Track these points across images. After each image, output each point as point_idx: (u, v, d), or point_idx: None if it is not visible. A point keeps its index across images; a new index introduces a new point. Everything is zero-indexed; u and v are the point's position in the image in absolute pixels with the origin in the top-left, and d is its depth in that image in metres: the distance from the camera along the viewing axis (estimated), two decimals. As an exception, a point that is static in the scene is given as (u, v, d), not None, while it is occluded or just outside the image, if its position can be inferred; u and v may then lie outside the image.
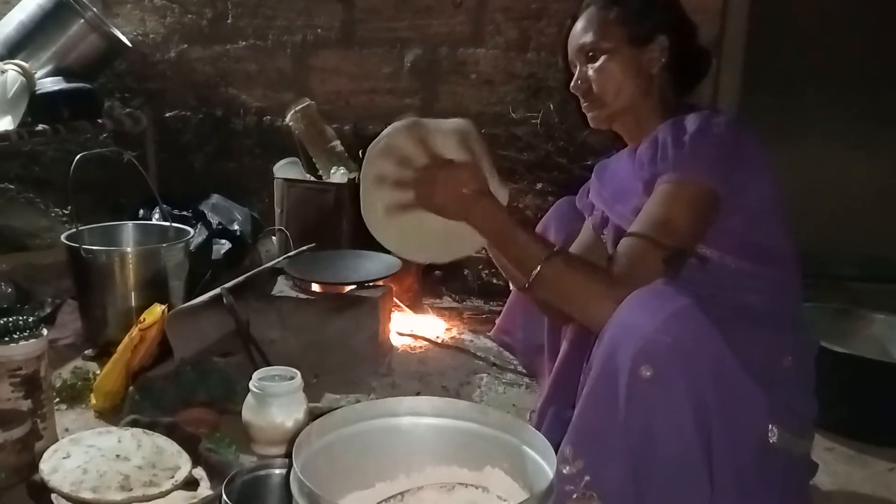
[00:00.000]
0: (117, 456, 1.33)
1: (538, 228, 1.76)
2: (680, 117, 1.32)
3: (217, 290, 1.87)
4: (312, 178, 2.49)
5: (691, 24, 1.45)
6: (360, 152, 1.39)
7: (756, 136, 1.32)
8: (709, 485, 1.11)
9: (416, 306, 2.43)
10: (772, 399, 1.18)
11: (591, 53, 1.40)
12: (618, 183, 1.49)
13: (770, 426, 1.18)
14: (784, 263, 1.33)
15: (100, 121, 2.47)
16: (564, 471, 1.13)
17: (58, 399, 1.73)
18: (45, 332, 1.51)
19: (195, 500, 1.31)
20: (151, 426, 1.46)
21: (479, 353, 2.15)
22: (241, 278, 1.96)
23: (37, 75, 2.36)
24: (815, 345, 1.37)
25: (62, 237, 2.04)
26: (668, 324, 1.08)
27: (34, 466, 1.34)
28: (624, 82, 1.38)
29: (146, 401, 1.64)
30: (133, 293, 2.01)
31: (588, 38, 1.40)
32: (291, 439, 1.29)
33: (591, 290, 1.21)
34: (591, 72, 1.41)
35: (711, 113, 1.34)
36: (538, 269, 1.24)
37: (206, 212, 2.53)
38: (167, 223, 2.21)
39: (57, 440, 1.45)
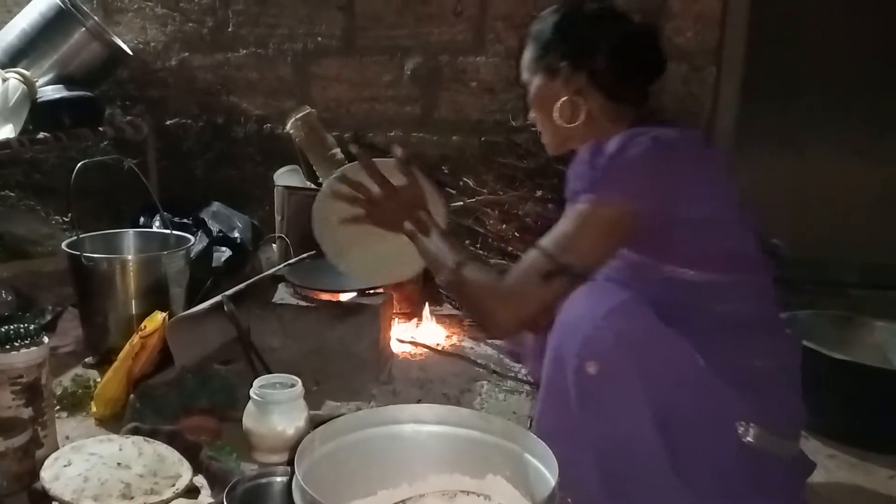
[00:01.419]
0: (118, 464, 1.32)
1: None
2: (603, 140, 1.30)
3: (218, 298, 1.87)
4: (313, 186, 2.49)
5: (612, 42, 1.38)
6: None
7: (699, 146, 1.35)
8: (680, 483, 1.12)
9: (416, 313, 2.43)
10: (745, 398, 1.19)
11: (527, 89, 1.47)
12: None
13: (743, 425, 1.19)
14: (749, 269, 1.33)
15: (101, 128, 2.48)
16: None
17: (59, 407, 1.73)
18: (46, 339, 1.51)
19: (196, 508, 1.31)
20: (152, 434, 1.46)
21: (479, 361, 2.15)
22: (241, 286, 1.96)
23: (38, 83, 2.37)
24: (796, 345, 1.38)
25: (63, 245, 2.04)
26: (608, 319, 1.11)
27: (35, 474, 1.33)
28: (547, 113, 1.43)
29: (147, 408, 1.64)
30: (134, 301, 2.01)
31: (523, 75, 1.49)
32: (292, 447, 1.29)
33: (485, 297, 1.28)
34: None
35: (642, 130, 1.29)
36: (444, 275, 1.33)
37: (206, 219, 2.53)
38: (168, 231, 2.21)
39: (58, 448, 1.45)
